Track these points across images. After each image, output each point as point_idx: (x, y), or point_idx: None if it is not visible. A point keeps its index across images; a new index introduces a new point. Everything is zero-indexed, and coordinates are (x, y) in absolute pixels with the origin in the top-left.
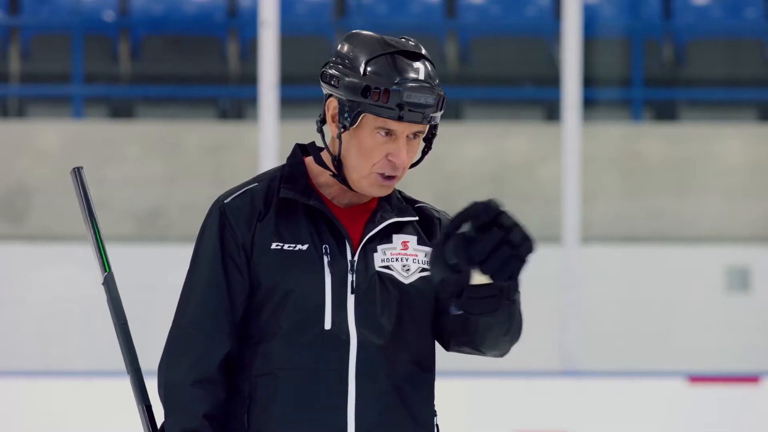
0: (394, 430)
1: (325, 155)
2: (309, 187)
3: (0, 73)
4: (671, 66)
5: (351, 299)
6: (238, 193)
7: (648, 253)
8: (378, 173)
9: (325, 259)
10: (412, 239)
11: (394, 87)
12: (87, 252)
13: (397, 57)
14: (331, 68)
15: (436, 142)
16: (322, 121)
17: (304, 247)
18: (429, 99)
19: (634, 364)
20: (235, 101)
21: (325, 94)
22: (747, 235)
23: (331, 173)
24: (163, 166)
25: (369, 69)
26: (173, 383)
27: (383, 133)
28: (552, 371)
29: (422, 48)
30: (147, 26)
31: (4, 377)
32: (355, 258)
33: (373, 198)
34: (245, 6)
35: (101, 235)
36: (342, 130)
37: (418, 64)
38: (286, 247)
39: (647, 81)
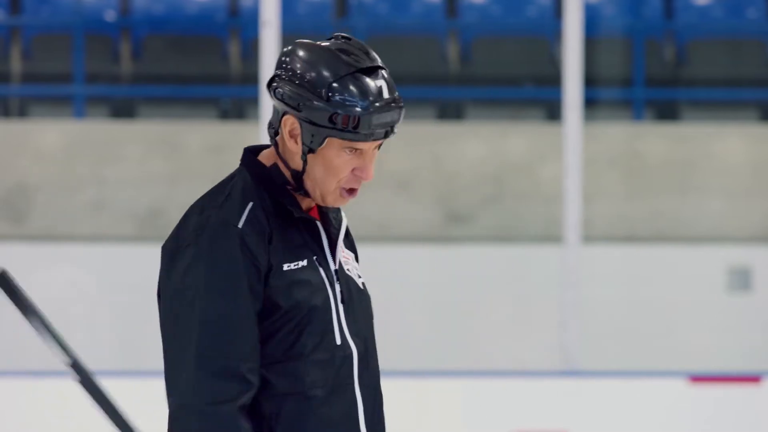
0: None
1: (281, 167)
2: (291, 196)
3: (1, 73)
4: (672, 66)
5: (341, 309)
6: (246, 215)
7: (649, 253)
8: (343, 188)
9: (321, 272)
10: (343, 242)
11: (362, 113)
12: (88, 252)
13: (359, 77)
14: (286, 85)
15: (436, 141)
16: (276, 133)
17: (305, 262)
18: (395, 115)
19: (635, 364)
20: (236, 101)
21: (280, 109)
22: (748, 235)
23: (291, 188)
24: (164, 166)
25: (334, 93)
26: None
27: (349, 151)
28: (552, 371)
29: (376, 56)
30: (148, 26)
31: (5, 377)
32: (336, 266)
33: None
34: (246, 6)
35: (51, 329)
36: (308, 151)
37: (380, 82)
38: (293, 266)
39: (648, 81)
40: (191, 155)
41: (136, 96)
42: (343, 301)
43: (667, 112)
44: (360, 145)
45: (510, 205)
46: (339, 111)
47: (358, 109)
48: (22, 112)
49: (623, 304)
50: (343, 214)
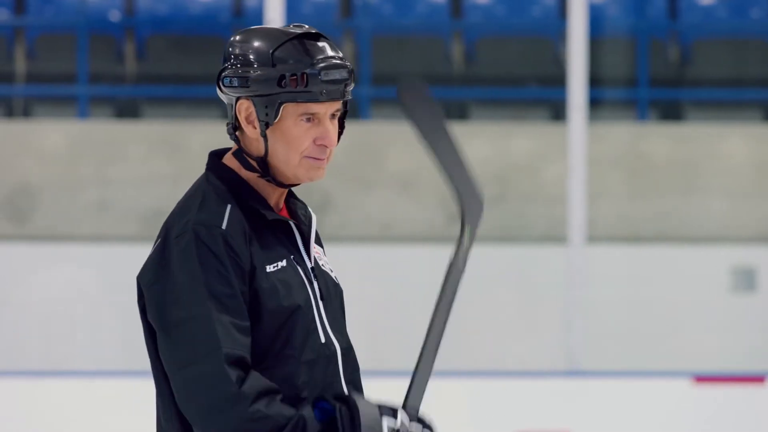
0: None
1: (243, 158)
2: (261, 198)
3: (5, 73)
4: (677, 66)
5: (321, 306)
6: (227, 217)
7: (653, 254)
8: (309, 158)
9: (300, 271)
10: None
11: (309, 70)
12: (91, 252)
13: (300, 41)
14: (230, 71)
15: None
16: (234, 128)
17: (284, 263)
18: (344, 73)
19: (639, 364)
20: None
21: (231, 99)
22: (753, 235)
23: (258, 175)
24: (168, 166)
25: (276, 57)
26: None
27: (306, 120)
28: (556, 371)
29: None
30: (152, 26)
31: (8, 377)
32: (311, 264)
33: (282, 197)
34: (251, 6)
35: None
36: (265, 127)
37: (322, 43)
38: (274, 267)
39: (653, 81)
40: (194, 155)
41: (140, 96)
42: (322, 298)
43: (671, 112)
44: (315, 107)
45: (514, 206)
46: (286, 72)
47: (304, 67)
48: (26, 112)
49: (627, 304)
50: (311, 210)
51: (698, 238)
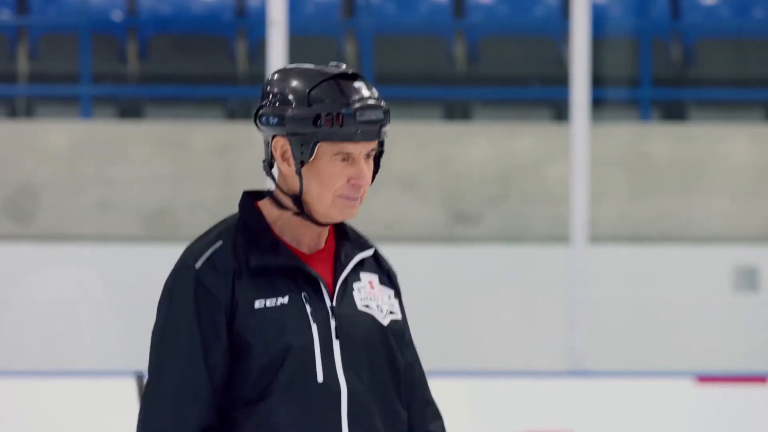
0: None
1: (280, 196)
2: (275, 242)
3: (8, 73)
4: (679, 66)
5: (336, 346)
6: (207, 255)
7: (656, 253)
8: (342, 197)
9: (308, 309)
10: (375, 278)
11: (345, 110)
12: (94, 252)
13: (336, 81)
14: (267, 109)
15: (443, 141)
16: (270, 165)
17: (285, 299)
18: (379, 114)
19: (642, 364)
20: (243, 101)
21: (267, 137)
22: (755, 234)
23: (293, 212)
24: (170, 166)
25: (313, 97)
26: None
27: (341, 159)
28: (559, 371)
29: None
30: (155, 26)
31: (10, 377)
32: (334, 302)
33: (330, 239)
34: (254, 6)
35: None
36: (300, 165)
37: (358, 84)
38: (268, 303)
39: (655, 81)
40: (198, 155)
41: (143, 96)
42: (338, 338)
43: (673, 112)
44: (350, 147)
45: (516, 205)
46: (322, 112)
47: (340, 107)
48: (29, 112)
49: (629, 304)
50: (372, 248)
51: (701, 238)
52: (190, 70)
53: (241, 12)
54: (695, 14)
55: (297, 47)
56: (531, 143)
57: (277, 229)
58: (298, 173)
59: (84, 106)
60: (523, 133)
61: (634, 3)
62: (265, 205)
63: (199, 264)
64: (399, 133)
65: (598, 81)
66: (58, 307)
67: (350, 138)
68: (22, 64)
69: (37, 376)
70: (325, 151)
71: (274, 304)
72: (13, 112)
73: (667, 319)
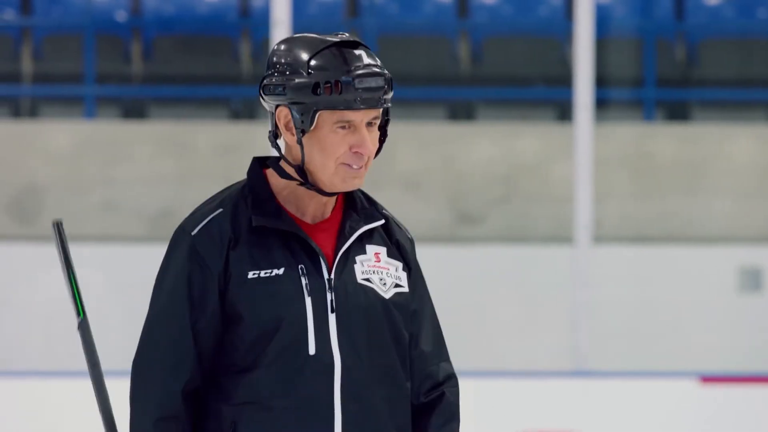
0: None
1: (285, 166)
2: (278, 208)
3: (12, 74)
4: (683, 66)
5: (332, 319)
6: (205, 222)
7: (659, 254)
8: (345, 165)
9: (303, 281)
10: (383, 251)
11: (344, 77)
12: (97, 252)
13: (337, 49)
14: (269, 79)
15: (447, 141)
16: (275, 135)
17: (281, 271)
18: (379, 81)
19: (646, 364)
20: (247, 101)
21: (271, 107)
22: (759, 235)
23: (298, 183)
24: (174, 166)
25: (313, 66)
26: (136, 421)
27: (342, 127)
28: (563, 371)
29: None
30: (159, 26)
31: (12, 377)
32: (332, 275)
33: (338, 209)
34: (257, 6)
35: (77, 281)
36: (302, 134)
37: (359, 51)
38: (263, 274)
39: (659, 81)
40: (201, 155)
41: (147, 96)
42: (333, 311)
43: (677, 112)
44: (350, 115)
45: (520, 206)
46: (321, 80)
47: (339, 75)
48: (33, 113)
49: (633, 304)
50: (373, 225)
51: (704, 239)
52: (194, 71)
53: (245, 12)
54: (699, 15)
55: None
56: (534, 143)
57: (281, 199)
58: (299, 142)
59: (88, 106)
60: (527, 134)
61: (638, 3)
62: (272, 174)
63: (195, 231)
64: (402, 134)
65: (601, 81)
66: (60, 307)
67: (350, 105)
68: (26, 65)
69: (39, 376)
70: (326, 119)
71: (268, 275)
72: (17, 113)
73: (671, 319)
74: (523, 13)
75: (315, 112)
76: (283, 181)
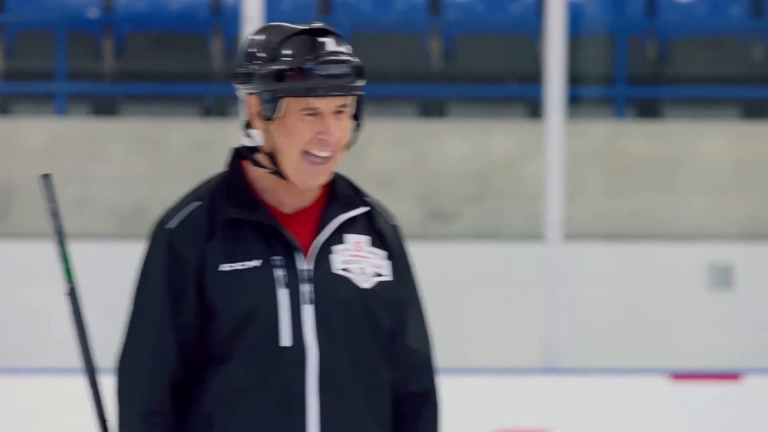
0: None
1: (258, 156)
2: (253, 199)
3: None
4: (655, 64)
5: (309, 310)
6: (181, 215)
7: (631, 251)
8: (309, 155)
9: (278, 273)
10: (365, 240)
11: (307, 65)
12: (70, 250)
13: (303, 37)
14: (240, 68)
15: (419, 139)
16: (248, 124)
17: (255, 263)
18: (344, 68)
19: (617, 362)
20: (219, 99)
21: (243, 95)
22: (730, 232)
23: (269, 171)
24: (147, 163)
25: (279, 54)
26: (125, 417)
27: (309, 114)
28: (535, 368)
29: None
30: (131, 24)
31: (5, 376)
32: (310, 266)
33: (321, 197)
34: (229, 3)
35: (65, 242)
36: (268, 121)
37: (326, 39)
38: (237, 266)
39: (631, 79)
40: (174, 153)
41: (119, 93)
42: (312, 302)
43: (649, 109)
44: (315, 102)
45: (493, 203)
46: (284, 66)
47: (302, 62)
48: (5, 110)
49: (605, 301)
50: (354, 214)
51: (676, 236)
52: (166, 68)
53: (217, 9)
54: (671, 12)
55: None
56: (507, 141)
57: (259, 189)
58: (267, 130)
59: (60, 103)
60: (499, 131)
61: (610, 1)
62: (249, 164)
63: (172, 225)
64: (375, 131)
65: (574, 79)
66: (35, 304)
67: (314, 93)
68: None
69: (32, 374)
70: (292, 107)
71: (243, 267)
72: None
73: (643, 316)
74: (495, 10)
75: (279, 99)
76: (260, 170)
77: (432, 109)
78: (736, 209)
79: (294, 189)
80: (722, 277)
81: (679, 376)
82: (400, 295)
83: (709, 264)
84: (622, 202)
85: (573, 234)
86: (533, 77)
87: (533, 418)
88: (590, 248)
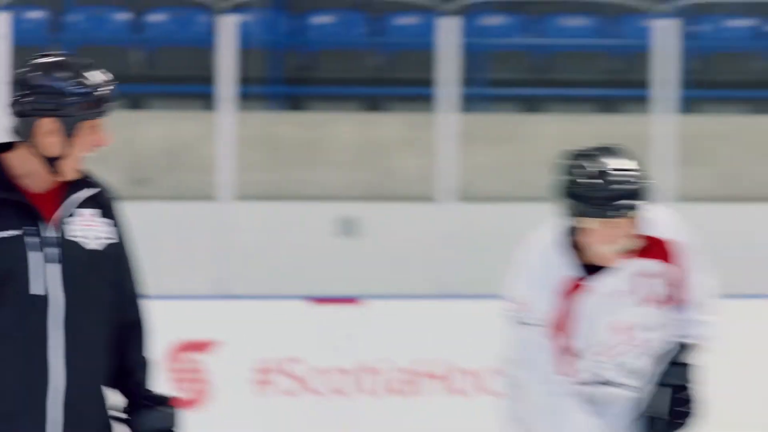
0: (89, 379)
1: (27, 152)
2: (8, 183)
3: None
4: (303, 68)
5: (56, 268)
6: None
7: (283, 209)
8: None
9: (28, 239)
10: (96, 212)
11: (66, 88)
12: None
13: (60, 63)
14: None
15: (126, 125)
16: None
17: (18, 231)
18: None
19: (269, 290)
20: None
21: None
22: (356, 195)
23: (45, 168)
24: None
25: (35, 86)
26: None
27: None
28: (207, 295)
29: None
30: None
31: None
32: (54, 233)
33: (64, 182)
34: None
35: None
36: (66, 139)
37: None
38: (2, 234)
39: (285, 79)
40: None
41: None
42: (60, 261)
43: (297, 103)
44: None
45: (180, 173)
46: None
47: (61, 91)
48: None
49: (264, 247)
50: (88, 193)
51: (314, 197)
52: None
53: None
54: (314, 31)
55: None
56: (191, 126)
57: (18, 174)
58: (59, 145)
59: None
60: (186, 119)
61: (271, 21)
62: (13, 156)
63: None
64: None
65: (243, 80)
66: None
67: (89, 115)
68: None
69: None
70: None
71: (5, 235)
72: None
73: (289, 257)
74: (186, 26)
75: (75, 121)
76: (20, 161)
77: (137, 102)
78: (359, 178)
79: (47, 176)
80: (348, 227)
81: (317, 300)
82: (120, 251)
83: (338, 218)
84: (278, 174)
85: (241, 196)
86: (211, 79)
87: (204, 333)
88: (257, 206)
